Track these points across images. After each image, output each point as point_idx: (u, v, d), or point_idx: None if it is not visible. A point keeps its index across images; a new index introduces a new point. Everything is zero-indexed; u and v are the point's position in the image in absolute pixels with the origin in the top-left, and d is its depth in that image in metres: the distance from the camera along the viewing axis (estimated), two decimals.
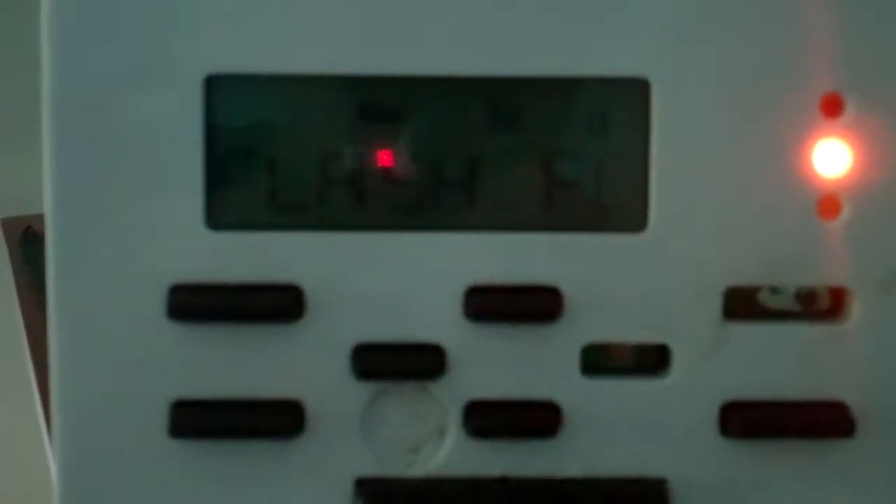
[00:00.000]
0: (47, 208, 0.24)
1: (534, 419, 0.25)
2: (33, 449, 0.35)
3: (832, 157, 0.24)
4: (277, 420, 0.25)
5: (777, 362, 0.25)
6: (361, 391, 0.25)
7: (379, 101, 0.24)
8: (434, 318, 0.25)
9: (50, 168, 0.24)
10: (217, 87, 0.24)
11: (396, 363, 0.25)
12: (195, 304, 0.24)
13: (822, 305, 0.25)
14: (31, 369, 0.39)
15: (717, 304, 0.25)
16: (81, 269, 0.24)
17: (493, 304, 0.25)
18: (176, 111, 0.24)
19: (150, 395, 0.25)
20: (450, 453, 0.25)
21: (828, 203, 0.24)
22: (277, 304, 0.24)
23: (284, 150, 0.24)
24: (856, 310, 0.25)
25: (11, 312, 0.42)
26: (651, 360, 0.25)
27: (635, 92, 0.24)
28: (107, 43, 0.24)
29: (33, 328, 0.41)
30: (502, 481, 0.25)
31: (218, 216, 0.24)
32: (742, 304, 0.25)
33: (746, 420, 0.25)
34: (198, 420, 0.25)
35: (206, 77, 0.24)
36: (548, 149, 0.24)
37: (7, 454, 0.35)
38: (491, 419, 0.25)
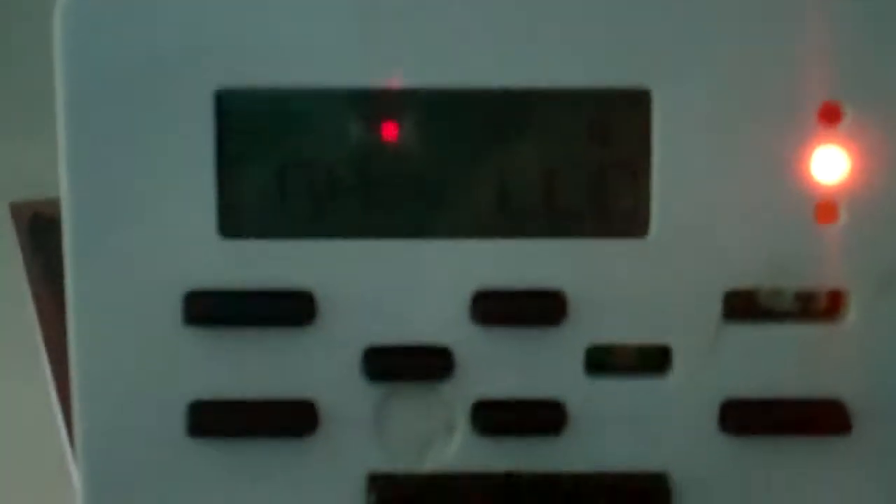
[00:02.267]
0: (64, 221, 0.25)
1: (539, 418, 0.25)
2: (51, 439, 0.36)
3: (830, 164, 0.25)
4: (292, 419, 0.25)
5: (776, 361, 0.25)
6: (372, 392, 0.25)
7: (385, 111, 0.25)
8: (442, 321, 0.25)
9: (65, 178, 0.25)
10: (227, 100, 0.25)
11: (406, 365, 0.25)
12: (210, 310, 0.25)
13: (820, 306, 0.26)
14: (45, 355, 0.39)
15: (717, 305, 0.25)
16: (99, 278, 0.25)
17: (499, 308, 0.25)
18: (188, 123, 0.25)
19: (170, 396, 0.25)
20: (459, 450, 0.26)
21: (826, 208, 0.25)
22: (290, 310, 0.25)
23: (294, 159, 0.25)
24: (852, 310, 0.25)
25: (20, 294, 0.42)
26: (653, 361, 0.26)
27: (637, 102, 0.25)
28: (117, 57, 0.24)
29: (46, 316, 0.41)
30: (510, 477, 0.26)
31: (231, 225, 0.25)
32: (742, 306, 0.25)
33: (745, 417, 0.25)
34: (215, 420, 0.25)
35: (216, 91, 0.24)
36: (552, 157, 0.25)
37: (24, 449, 0.36)
38: (498, 418, 0.25)
